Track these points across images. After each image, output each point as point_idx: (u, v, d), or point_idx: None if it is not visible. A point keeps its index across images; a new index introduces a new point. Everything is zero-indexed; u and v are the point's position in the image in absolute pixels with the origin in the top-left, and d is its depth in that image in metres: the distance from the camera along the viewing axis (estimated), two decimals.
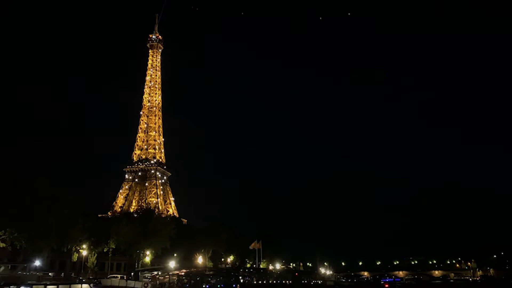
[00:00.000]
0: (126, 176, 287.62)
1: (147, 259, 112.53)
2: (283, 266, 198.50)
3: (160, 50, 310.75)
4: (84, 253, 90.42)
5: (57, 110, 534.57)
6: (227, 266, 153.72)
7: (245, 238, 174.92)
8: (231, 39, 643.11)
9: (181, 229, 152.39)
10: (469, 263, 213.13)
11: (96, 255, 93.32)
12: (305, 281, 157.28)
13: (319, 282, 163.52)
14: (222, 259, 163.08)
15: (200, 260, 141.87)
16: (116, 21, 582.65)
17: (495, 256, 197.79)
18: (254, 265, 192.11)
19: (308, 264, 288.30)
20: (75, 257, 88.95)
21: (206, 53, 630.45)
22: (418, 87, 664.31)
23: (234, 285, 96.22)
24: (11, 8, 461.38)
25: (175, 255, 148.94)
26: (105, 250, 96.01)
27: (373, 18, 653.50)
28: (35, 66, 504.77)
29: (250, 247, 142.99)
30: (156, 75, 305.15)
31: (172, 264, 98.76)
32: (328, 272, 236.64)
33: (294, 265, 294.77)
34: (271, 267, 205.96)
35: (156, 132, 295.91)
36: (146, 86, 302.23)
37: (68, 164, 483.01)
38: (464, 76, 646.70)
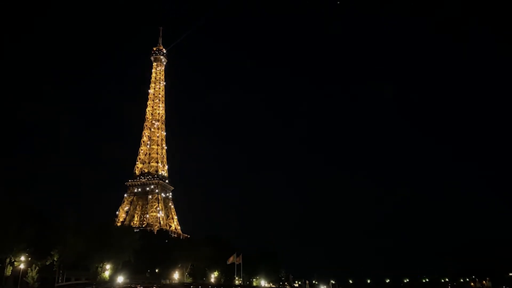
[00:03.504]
0: (128, 190, 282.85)
1: (106, 273, 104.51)
2: (271, 284, 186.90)
3: (164, 63, 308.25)
4: (22, 266, 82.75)
5: (59, 123, 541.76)
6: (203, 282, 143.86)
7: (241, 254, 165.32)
8: (237, 48, 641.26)
9: (159, 242, 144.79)
10: (484, 282, 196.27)
11: (37, 268, 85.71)
12: None
13: None
14: (209, 275, 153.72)
15: (176, 275, 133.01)
16: (120, 33, 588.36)
17: (510, 274, 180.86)
18: (248, 282, 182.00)
19: (314, 281, 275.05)
20: (9, 270, 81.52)
21: (211, 65, 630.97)
22: (422, 102, 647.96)
23: None
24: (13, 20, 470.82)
25: (156, 270, 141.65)
26: (47, 263, 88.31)
27: (381, 31, 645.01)
28: (40, 80, 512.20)
29: (228, 262, 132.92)
30: (160, 88, 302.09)
31: (120, 279, 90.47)
32: None
33: (299, 282, 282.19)
34: (266, 285, 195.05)
35: (158, 145, 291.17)
36: (149, 99, 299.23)
37: (68, 178, 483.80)
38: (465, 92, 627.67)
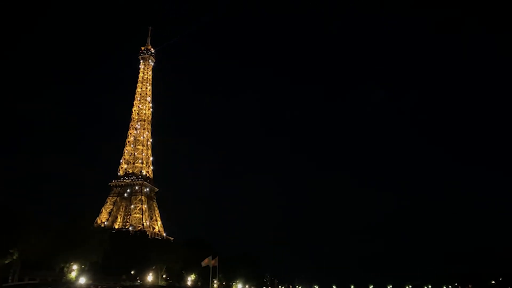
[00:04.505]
0: (112, 190, 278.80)
1: (73, 274, 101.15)
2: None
3: (151, 63, 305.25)
4: None
5: (59, 123, 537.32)
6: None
7: (221, 257, 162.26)
8: (227, 56, 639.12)
9: (134, 243, 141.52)
10: None
11: None
12: None
13: None
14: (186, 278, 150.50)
15: (150, 277, 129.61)
16: (120, 33, 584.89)
17: (493, 282, 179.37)
18: (225, 286, 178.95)
19: (297, 286, 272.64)
20: None
21: (202, 69, 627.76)
22: (422, 102, 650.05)
23: None
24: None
25: (132, 272, 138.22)
26: (6, 262, 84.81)
27: (375, 35, 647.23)
28: (40, 80, 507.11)
29: (203, 264, 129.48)
30: (147, 88, 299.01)
31: (82, 280, 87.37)
32: None
33: (283, 287, 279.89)
34: None
35: (144, 146, 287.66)
36: (135, 99, 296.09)
37: (68, 178, 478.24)
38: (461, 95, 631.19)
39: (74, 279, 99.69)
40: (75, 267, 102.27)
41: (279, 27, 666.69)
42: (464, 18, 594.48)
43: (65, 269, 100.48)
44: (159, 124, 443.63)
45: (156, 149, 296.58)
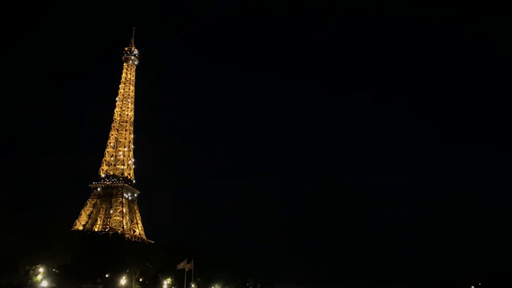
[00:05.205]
0: (92, 192, 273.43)
1: (39, 277, 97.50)
2: None
3: (135, 64, 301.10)
4: None
5: (58, 123, 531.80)
6: None
7: (202, 260, 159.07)
8: (219, 56, 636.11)
9: (109, 246, 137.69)
10: None
11: None
12: None
13: None
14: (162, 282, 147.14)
15: (123, 281, 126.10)
16: (120, 33, 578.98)
17: (472, 287, 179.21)
18: None
19: None
20: None
21: (202, 69, 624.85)
22: (422, 102, 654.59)
23: None
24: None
25: (110, 275, 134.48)
26: None
27: (369, 38, 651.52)
28: (40, 80, 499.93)
29: (178, 267, 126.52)
30: (129, 89, 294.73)
31: (44, 283, 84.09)
32: None
33: None
34: None
35: (126, 147, 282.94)
36: (118, 100, 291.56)
37: (51, 178, 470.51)
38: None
39: (39, 282, 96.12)
40: (41, 269, 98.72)
41: (279, 27, 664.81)
42: (464, 18, 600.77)
43: (31, 272, 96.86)
44: (157, 125, 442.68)
45: (142, 151, 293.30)
